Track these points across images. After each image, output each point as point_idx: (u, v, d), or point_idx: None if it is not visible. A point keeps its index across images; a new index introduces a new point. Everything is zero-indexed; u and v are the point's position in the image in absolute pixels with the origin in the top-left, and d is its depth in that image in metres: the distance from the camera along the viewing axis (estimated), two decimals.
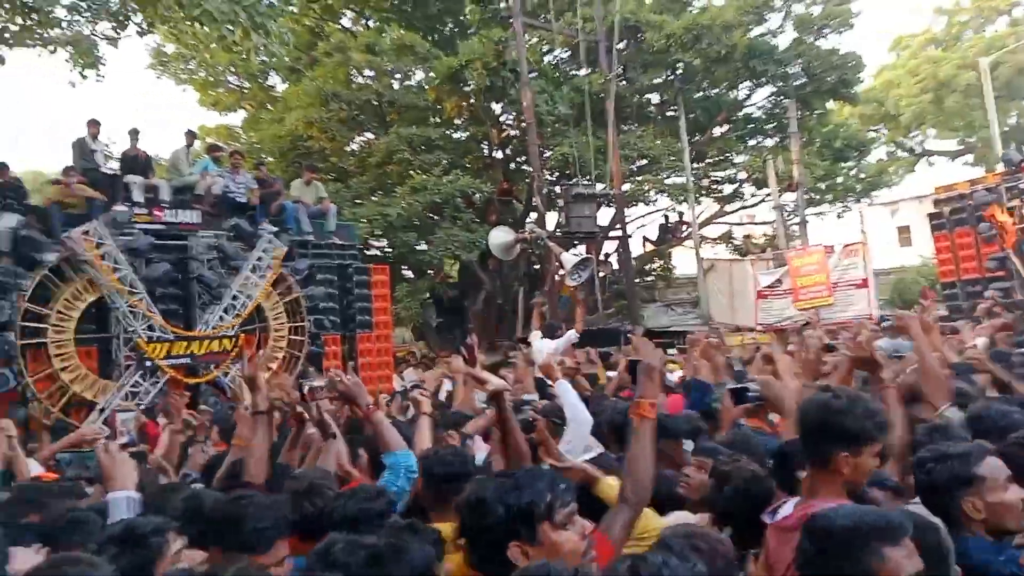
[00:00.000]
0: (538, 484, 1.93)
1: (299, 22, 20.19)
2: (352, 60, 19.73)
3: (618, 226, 19.86)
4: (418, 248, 18.25)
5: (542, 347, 8.09)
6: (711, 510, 2.79)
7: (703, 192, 23.19)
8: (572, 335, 8.30)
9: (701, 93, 22.58)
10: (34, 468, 4.64)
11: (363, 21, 22.99)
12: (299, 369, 12.18)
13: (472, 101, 20.21)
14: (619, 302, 20.92)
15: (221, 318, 11.43)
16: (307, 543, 2.64)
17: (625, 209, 20.10)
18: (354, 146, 21.69)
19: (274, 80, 23.54)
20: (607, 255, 20.95)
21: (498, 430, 3.19)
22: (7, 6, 13.73)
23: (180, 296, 11.43)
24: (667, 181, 21.11)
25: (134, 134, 11.62)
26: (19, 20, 14.09)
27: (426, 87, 20.91)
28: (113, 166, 11.37)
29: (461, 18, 22.54)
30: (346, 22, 23.15)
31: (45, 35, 14.41)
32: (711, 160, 23.29)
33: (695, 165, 21.79)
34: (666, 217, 22.46)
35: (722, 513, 2.70)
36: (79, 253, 10.01)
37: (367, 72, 20.70)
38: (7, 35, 14.28)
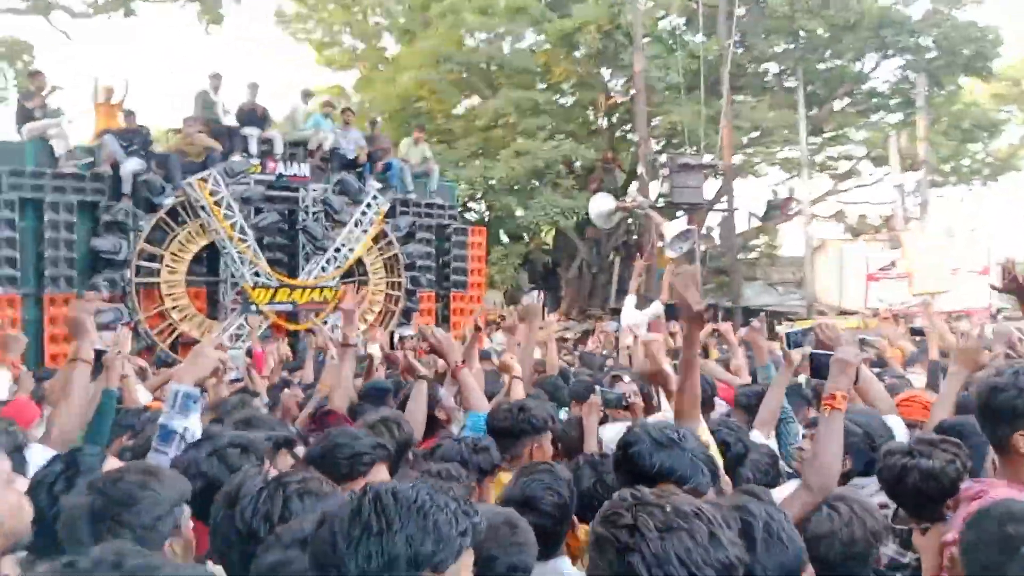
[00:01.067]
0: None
1: None
2: (465, 22, 19.81)
3: (724, 199, 19.31)
4: (516, 212, 18.32)
5: (629, 315, 7.99)
6: None
7: (817, 168, 22.16)
8: (657, 307, 8.15)
9: (823, 64, 21.47)
10: (143, 397, 4.87)
11: None
12: (394, 323, 12.57)
13: (582, 66, 19.99)
14: (719, 278, 20.41)
15: (323, 269, 11.89)
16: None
17: (733, 182, 19.50)
18: (461, 109, 21.87)
19: (386, 42, 23.96)
20: (710, 228, 20.42)
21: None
22: None
23: (286, 245, 11.98)
24: (779, 155, 20.32)
25: (253, 88, 12.10)
26: None
27: (536, 51, 20.80)
28: (231, 119, 11.90)
29: None
30: None
31: None
32: (828, 135, 22.19)
33: (811, 139, 20.84)
34: (775, 192, 21.67)
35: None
36: (195, 199, 10.60)
37: (479, 34, 20.75)
38: None
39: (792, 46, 20.69)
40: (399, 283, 12.86)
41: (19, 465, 1.72)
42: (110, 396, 3.48)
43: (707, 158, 17.64)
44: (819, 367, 3.25)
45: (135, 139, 10.56)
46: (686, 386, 2.51)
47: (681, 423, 2.35)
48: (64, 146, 10.26)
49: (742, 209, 21.51)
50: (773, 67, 22.36)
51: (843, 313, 17.36)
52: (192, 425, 2.48)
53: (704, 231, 19.67)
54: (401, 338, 8.68)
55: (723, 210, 19.43)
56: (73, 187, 10.15)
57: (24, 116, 10.41)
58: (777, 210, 21.58)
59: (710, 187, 19.18)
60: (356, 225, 12.17)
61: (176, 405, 2.50)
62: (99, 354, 4.14)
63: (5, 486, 1.57)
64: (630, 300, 8.53)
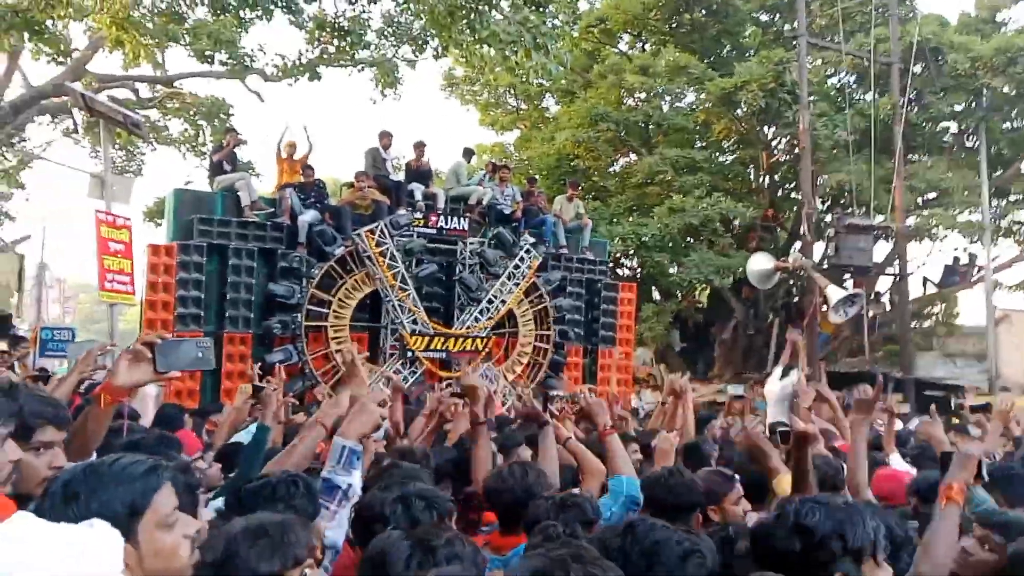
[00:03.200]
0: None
1: (577, 45, 20.95)
2: (625, 82, 20.07)
3: (895, 263, 18.13)
4: (669, 270, 18.06)
5: (773, 385, 7.65)
6: None
7: (1001, 232, 20.42)
8: (795, 375, 7.72)
9: (1008, 123, 19.94)
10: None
11: (639, 44, 23.29)
12: (541, 376, 12.65)
13: (743, 124, 19.65)
14: (888, 346, 19.07)
15: (476, 319, 12.21)
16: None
17: (906, 245, 18.31)
18: (617, 166, 22.02)
19: (548, 102, 24.65)
20: (878, 294, 19.22)
21: None
22: (328, 30, 15.89)
23: (443, 296, 12.43)
24: (959, 218, 18.89)
25: (419, 147, 12.80)
26: (336, 42, 16.26)
27: (696, 109, 20.68)
28: (399, 175, 12.60)
29: (740, 40, 22.02)
30: (623, 46, 23.62)
31: (355, 56, 16.47)
32: (1014, 197, 20.44)
33: (994, 202, 19.28)
34: (955, 258, 20.10)
35: None
36: (363, 249, 11.25)
37: (638, 94, 20.93)
38: (325, 55, 16.51)
39: (973, 104, 19.39)
40: (548, 336, 12.97)
41: (190, 505, 1.74)
42: (264, 430, 3.70)
43: (877, 219, 16.72)
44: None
45: (312, 192, 11.41)
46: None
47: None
48: (249, 197, 11.22)
49: (916, 274, 20.12)
50: (952, 126, 21.01)
51: None
52: (355, 482, 2.50)
53: (872, 296, 18.55)
54: (551, 397, 8.72)
55: (894, 274, 18.24)
56: (255, 235, 11.05)
57: (216, 169, 11.55)
58: (956, 276, 20.00)
59: (880, 250, 18.13)
60: (509, 278, 12.44)
61: (341, 460, 2.51)
62: (256, 390, 4.43)
63: (161, 528, 1.52)
64: (776, 371, 8.19)
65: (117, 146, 18.78)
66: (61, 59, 16.88)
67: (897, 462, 4.47)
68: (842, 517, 1.82)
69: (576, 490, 3.37)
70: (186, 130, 19.97)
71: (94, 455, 2.28)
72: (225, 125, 17.73)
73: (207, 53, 16.86)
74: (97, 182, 9.30)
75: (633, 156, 21.53)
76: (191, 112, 19.39)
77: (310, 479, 2.47)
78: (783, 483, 2.55)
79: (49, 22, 15.86)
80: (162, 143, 20.49)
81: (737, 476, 3.17)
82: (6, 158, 21.29)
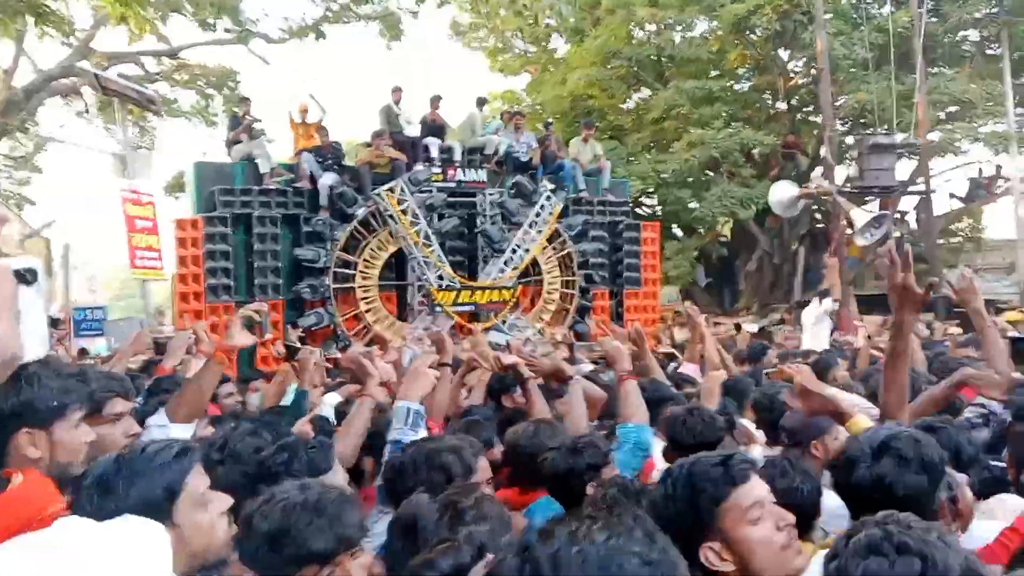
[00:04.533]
0: None
1: None
2: (634, 16, 19.63)
3: (920, 180, 17.82)
4: (691, 205, 17.91)
5: (808, 313, 7.65)
6: None
7: None
8: (828, 303, 7.70)
9: None
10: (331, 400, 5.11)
11: None
12: (569, 321, 12.72)
13: (758, 49, 19.20)
14: (918, 266, 18.75)
15: (501, 270, 12.24)
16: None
17: (930, 161, 17.96)
18: (631, 103, 21.69)
19: (556, 44, 24.21)
20: (904, 213, 18.96)
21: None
22: None
23: (466, 249, 12.47)
24: (983, 129, 18.45)
25: (435, 100, 12.68)
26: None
27: (709, 38, 20.22)
28: (413, 130, 12.52)
29: None
30: None
31: (358, 12, 16.29)
32: None
33: (1019, 111, 18.77)
34: (980, 170, 19.69)
35: None
36: (384, 208, 11.28)
37: (649, 27, 20.49)
38: (329, 13, 16.33)
39: (994, 9, 18.74)
40: (573, 281, 12.99)
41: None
42: (301, 395, 3.82)
43: (900, 137, 16.39)
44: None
45: (329, 155, 11.40)
46: (894, 381, 2.36)
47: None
48: (267, 165, 11.25)
49: (941, 190, 19.76)
50: (973, 34, 20.36)
51: None
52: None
53: (898, 216, 18.31)
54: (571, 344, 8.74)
55: (919, 192, 17.93)
56: (277, 202, 11.11)
57: (232, 139, 11.56)
58: (982, 190, 19.62)
59: (904, 168, 17.81)
60: (531, 226, 12.42)
61: (408, 421, 2.74)
62: (292, 351, 4.52)
63: (197, 507, 1.59)
64: (814, 301, 8.15)
65: (129, 121, 18.84)
66: (66, 40, 16.84)
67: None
68: (944, 442, 1.84)
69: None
70: (196, 101, 19.94)
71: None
72: (235, 93, 17.67)
73: (210, 21, 16.76)
74: (118, 161, 9.38)
75: (647, 92, 21.19)
76: (200, 83, 19.32)
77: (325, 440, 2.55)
78: (858, 425, 2.40)
79: (52, 3, 15.80)
80: (172, 115, 20.49)
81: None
82: (22, 143, 21.44)
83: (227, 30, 17.00)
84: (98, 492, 1.50)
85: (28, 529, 1.28)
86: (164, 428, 2.38)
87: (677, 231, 20.40)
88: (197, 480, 1.61)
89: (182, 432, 2.41)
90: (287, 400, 4.30)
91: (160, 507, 1.48)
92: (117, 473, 1.55)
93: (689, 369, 5.24)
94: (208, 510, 1.61)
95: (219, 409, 4.16)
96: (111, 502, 1.47)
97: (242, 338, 2.67)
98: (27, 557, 1.10)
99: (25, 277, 0.88)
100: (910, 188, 18.20)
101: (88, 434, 1.87)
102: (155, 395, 3.35)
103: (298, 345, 4.25)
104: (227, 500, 1.67)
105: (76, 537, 1.16)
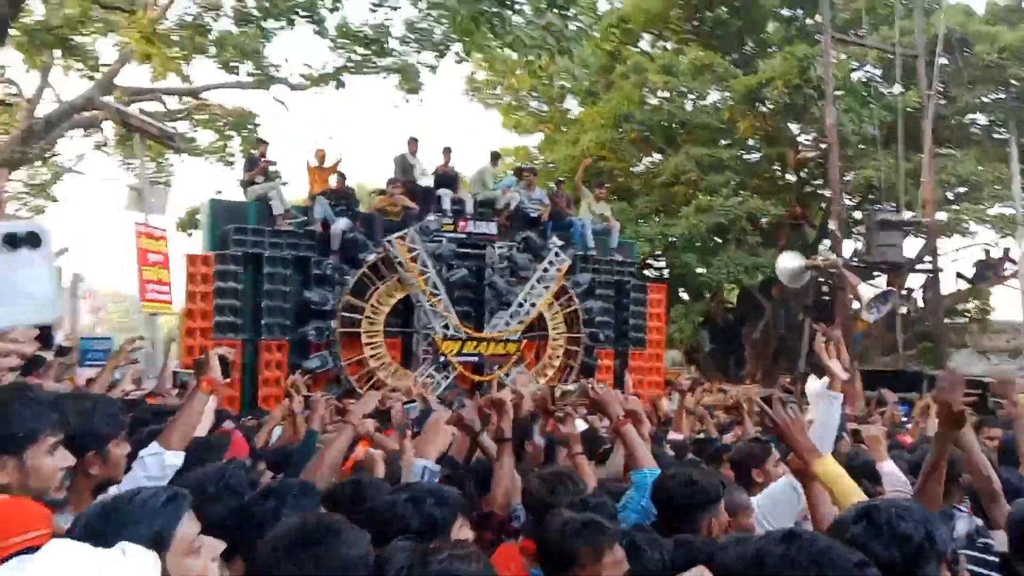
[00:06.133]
0: None
1: (599, 47, 20.94)
2: (648, 81, 20.03)
3: (927, 258, 17.91)
4: (697, 270, 17.99)
5: (811, 386, 7.56)
6: None
7: None
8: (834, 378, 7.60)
9: None
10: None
11: (661, 44, 23.24)
12: (573, 378, 12.64)
13: (768, 121, 19.54)
14: (922, 344, 18.84)
15: (507, 323, 12.24)
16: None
17: (937, 240, 18.08)
18: (641, 167, 21.98)
19: (570, 104, 24.65)
20: (910, 290, 19.00)
21: None
22: (352, 39, 16.05)
23: (473, 300, 12.48)
24: (990, 211, 18.65)
25: (447, 152, 12.87)
26: (359, 50, 16.42)
27: (720, 107, 20.59)
28: (427, 180, 12.67)
29: (762, 36, 21.91)
30: (644, 45, 23.57)
31: (379, 64, 16.62)
32: None
33: None
34: (987, 252, 19.83)
35: None
36: (394, 255, 11.33)
37: (662, 93, 20.89)
38: (350, 63, 16.68)
39: (1002, 96, 19.13)
40: (578, 339, 12.97)
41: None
42: (312, 436, 3.79)
43: (907, 215, 16.53)
44: None
45: (343, 200, 11.51)
46: (924, 490, 2.44)
47: None
48: (281, 207, 11.35)
49: (949, 270, 19.86)
50: (980, 118, 20.76)
51: None
52: None
53: (904, 293, 18.35)
54: (563, 393, 8.67)
55: (927, 271, 18.01)
56: (288, 243, 11.16)
57: (248, 179, 11.68)
58: (990, 271, 19.70)
59: (911, 246, 17.93)
60: (538, 281, 12.46)
61: (424, 479, 2.76)
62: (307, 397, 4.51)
63: (188, 554, 1.56)
64: (812, 378, 8.07)
65: (147, 157, 19.07)
66: (90, 74, 17.16)
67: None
68: (932, 520, 1.82)
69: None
70: (214, 141, 20.21)
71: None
72: (253, 135, 17.93)
73: (232, 64, 17.10)
74: (135, 195, 9.46)
75: (658, 156, 21.48)
76: (219, 123, 19.62)
77: (307, 482, 2.49)
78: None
79: (79, 38, 16.16)
80: (190, 153, 20.76)
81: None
82: (40, 172, 21.67)
83: (249, 74, 17.32)
84: (85, 538, 1.43)
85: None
86: (158, 456, 2.35)
87: (683, 295, 20.44)
88: (188, 527, 1.58)
89: (175, 459, 2.40)
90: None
91: None
92: (106, 520, 1.51)
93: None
94: (200, 557, 1.58)
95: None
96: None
97: (218, 374, 2.71)
98: None
99: (15, 239, 0.86)
100: (917, 266, 18.30)
101: (65, 459, 1.86)
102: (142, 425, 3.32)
103: (309, 394, 4.32)
104: (219, 545, 1.63)
105: (70, 558, 1.15)
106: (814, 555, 1.54)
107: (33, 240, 0.89)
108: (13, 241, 0.83)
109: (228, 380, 2.89)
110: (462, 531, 2.30)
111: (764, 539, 1.65)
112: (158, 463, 2.33)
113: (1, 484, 1.72)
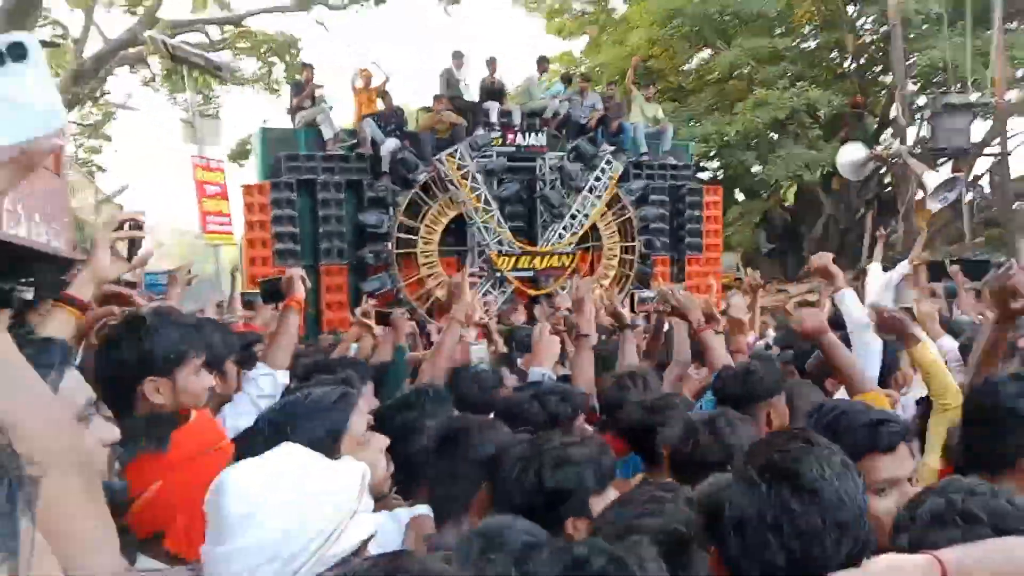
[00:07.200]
0: None
1: None
2: None
3: (996, 141, 17.08)
4: (754, 169, 17.52)
5: (874, 281, 7.41)
6: None
7: None
8: (903, 267, 7.43)
9: None
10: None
11: None
12: (629, 287, 12.65)
13: (825, 5, 18.53)
14: (990, 231, 18.18)
15: (560, 236, 12.23)
16: None
17: (1008, 121, 17.18)
18: (693, 64, 21.21)
19: (615, 3, 23.73)
20: (977, 176, 18.22)
21: None
22: None
23: (525, 214, 12.47)
24: None
25: (492, 63, 12.61)
26: None
27: None
28: (474, 93, 12.50)
29: None
30: None
31: None
32: None
33: None
34: None
35: None
36: (445, 173, 11.33)
37: None
38: None
39: None
40: (633, 247, 12.90)
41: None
42: (401, 351, 4.01)
43: (974, 96, 15.70)
44: None
45: (391, 121, 11.48)
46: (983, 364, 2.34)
47: None
48: (330, 131, 11.39)
49: (1018, 152, 18.92)
50: None
51: None
52: None
53: (972, 179, 17.61)
54: (640, 300, 8.70)
55: (995, 154, 17.21)
56: (340, 167, 11.26)
57: (296, 105, 11.71)
58: None
59: (978, 129, 17.08)
60: (590, 191, 12.35)
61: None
62: (384, 316, 4.68)
63: (359, 446, 1.72)
64: (875, 268, 7.88)
65: (195, 91, 19.21)
66: (132, 9, 17.20)
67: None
68: None
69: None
70: (258, 69, 20.21)
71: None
72: (296, 60, 17.85)
73: None
74: (189, 127, 9.60)
75: (710, 51, 20.67)
76: (262, 50, 19.56)
77: (438, 387, 2.62)
78: (923, 351, 2.46)
79: None
80: (235, 83, 20.81)
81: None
82: (92, 112, 22.06)
83: None
84: (270, 433, 1.64)
85: (207, 455, 1.47)
86: (270, 376, 2.48)
87: (739, 195, 20.01)
88: (358, 422, 1.76)
89: (284, 378, 2.54)
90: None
91: (326, 446, 1.59)
92: (287, 417, 1.69)
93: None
94: (369, 449, 1.75)
95: None
96: (281, 443, 1.57)
97: (302, 293, 2.84)
98: (277, 469, 1.21)
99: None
100: (985, 150, 17.49)
101: (208, 380, 1.99)
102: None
103: (387, 310, 4.53)
104: (384, 440, 1.81)
105: (304, 459, 1.27)
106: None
107: (19, 50, 0.89)
108: None
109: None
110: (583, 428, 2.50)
111: None
112: (270, 382, 2.47)
113: (157, 404, 1.85)
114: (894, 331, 2.59)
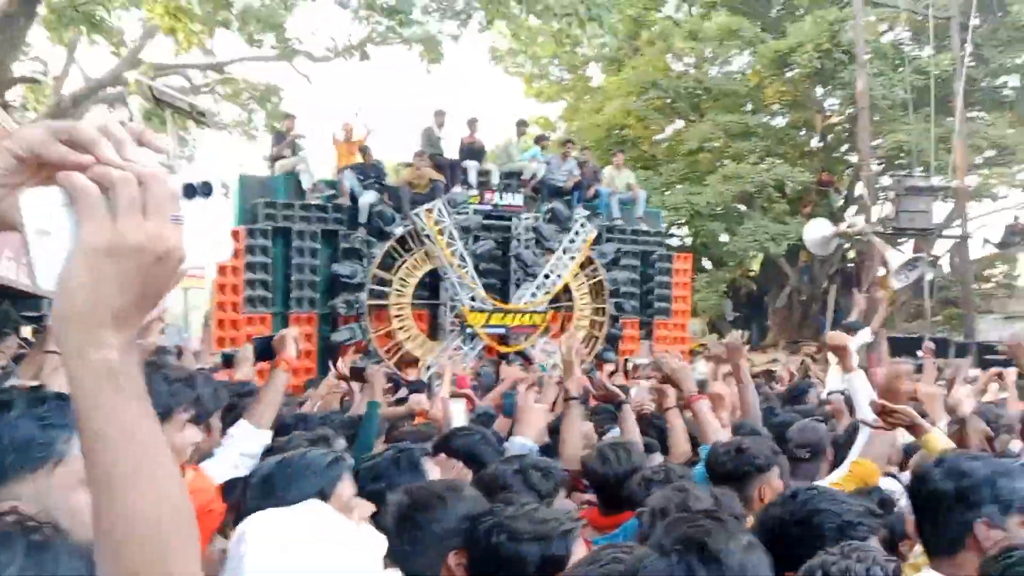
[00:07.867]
0: None
1: (623, 12, 20.68)
2: (674, 47, 19.78)
3: (956, 223, 17.68)
4: (723, 239, 17.90)
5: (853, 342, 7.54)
6: None
7: None
8: (865, 334, 7.59)
9: None
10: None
11: (687, 8, 22.87)
12: (598, 349, 12.72)
13: (795, 86, 19.25)
14: (947, 310, 18.69)
15: (533, 294, 12.30)
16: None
17: (967, 205, 17.82)
18: (666, 134, 21.78)
19: (592, 71, 24.40)
20: (937, 257, 18.78)
21: None
22: (377, 8, 16.01)
23: (500, 272, 12.54)
24: (1020, 176, 18.33)
25: (472, 123, 12.84)
26: (383, 21, 16.37)
27: (747, 73, 20.30)
28: (452, 152, 12.67)
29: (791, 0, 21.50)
30: (669, 9, 23.20)
31: (402, 33, 16.57)
32: None
33: None
34: (1016, 217, 19.51)
35: None
36: (421, 228, 11.40)
37: (687, 59, 20.63)
38: (374, 34, 16.64)
39: None
40: (603, 309, 13.01)
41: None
42: (374, 406, 3.93)
43: (936, 180, 16.27)
44: None
45: (371, 173, 11.58)
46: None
47: None
48: (309, 180, 11.45)
49: (976, 236, 19.58)
50: (1013, 80, 20.28)
51: None
52: None
53: (932, 259, 18.14)
54: (635, 366, 8.73)
55: (955, 236, 17.79)
56: (317, 217, 11.28)
57: (276, 154, 11.77)
58: (1017, 237, 19.41)
59: (939, 211, 17.66)
60: (564, 252, 12.49)
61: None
62: (360, 370, 4.64)
63: (344, 511, 1.65)
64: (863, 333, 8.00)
65: (173, 132, 19.18)
66: (116, 50, 17.24)
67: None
68: (999, 469, 1.89)
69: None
70: (239, 115, 20.30)
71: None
72: (278, 109, 17.99)
73: (256, 37, 17.10)
74: (164, 170, 9.54)
75: (683, 123, 21.27)
76: (243, 97, 19.68)
77: (414, 453, 2.59)
78: (933, 442, 2.47)
79: (105, 14, 16.20)
80: (214, 128, 20.85)
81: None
82: None
83: (272, 47, 17.33)
84: (263, 488, 1.67)
85: (199, 517, 1.36)
86: (251, 434, 2.46)
87: (707, 263, 20.37)
88: (346, 487, 1.78)
89: (266, 437, 2.52)
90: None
91: None
92: (279, 474, 1.72)
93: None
94: (353, 515, 1.72)
95: None
96: (272, 500, 1.58)
97: (292, 353, 2.96)
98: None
99: (192, 190, 0.91)
100: (945, 232, 18.07)
101: (194, 435, 1.96)
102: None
103: (360, 365, 4.45)
104: (369, 507, 1.81)
105: (327, 519, 1.28)
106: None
107: (206, 189, 0.95)
108: (191, 192, 0.89)
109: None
110: (565, 504, 2.50)
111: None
112: (252, 440, 2.47)
113: None
114: (899, 425, 2.62)
